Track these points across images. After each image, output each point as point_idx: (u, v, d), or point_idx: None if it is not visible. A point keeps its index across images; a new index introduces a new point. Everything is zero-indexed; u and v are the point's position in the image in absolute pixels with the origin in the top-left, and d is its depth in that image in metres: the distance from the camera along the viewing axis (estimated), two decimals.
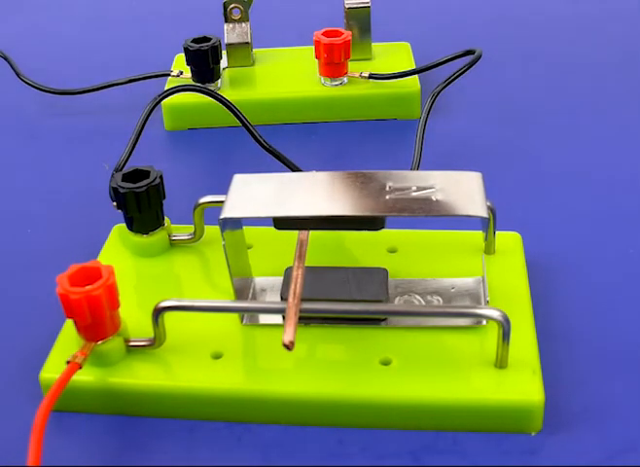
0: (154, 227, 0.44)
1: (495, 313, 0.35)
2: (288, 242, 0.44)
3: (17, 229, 0.50)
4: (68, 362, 0.36)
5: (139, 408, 0.38)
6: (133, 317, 0.39)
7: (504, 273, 0.42)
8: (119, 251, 0.45)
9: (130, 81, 0.61)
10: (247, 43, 0.62)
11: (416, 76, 0.60)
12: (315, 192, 0.38)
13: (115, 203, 0.44)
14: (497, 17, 0.74)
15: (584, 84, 0.63)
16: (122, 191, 0.42)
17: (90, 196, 0.52)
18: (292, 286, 0.37)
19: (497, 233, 0.43)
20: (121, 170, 0.46)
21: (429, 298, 0.41)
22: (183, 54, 0.60)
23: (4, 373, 0.40)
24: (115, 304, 0.37)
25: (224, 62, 0.62)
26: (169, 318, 0.38)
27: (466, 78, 0.56)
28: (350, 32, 0.59)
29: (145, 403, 0.38)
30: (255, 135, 0.50)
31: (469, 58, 0.56)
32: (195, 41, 0.59)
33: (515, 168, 0.54)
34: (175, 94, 0.51)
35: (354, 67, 0.60)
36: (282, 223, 0.38)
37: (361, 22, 0.62)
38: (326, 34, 0.58)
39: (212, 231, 0.44)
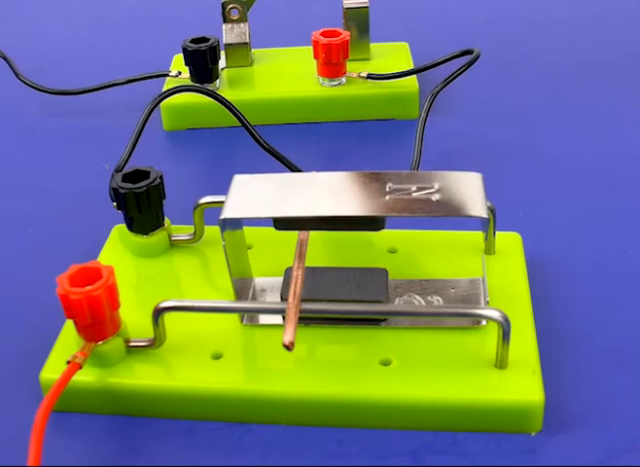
0: (154, 227, 0.44)
1: (495, 314, 0.35)
2: (288, 243, 0.44)
3: (18, 229, 0.50)
4: (68, 362, 0.36)
5: (139, 408, 0.38)
6: (133, 318, 0.39)
7: (504, 274, 0.42)
8: (119, 251, 0.45)
9: (129, 81, 0.61)
10: (245, 43, 0.62)
11: (415, 76, 0.60)
12: (315, 192, 0.38)
13: (115, 204, 0.44)
14: (495, 16, 0.74)
15: (583, 83, 0.63)
16: (122, 191, 0.42)
17: (91, 196, 0.52)
18: (292, 286, 0.37)
19: (497, 233, 0.43)
20: (121, 171, 0.46)
21: (429, 298, 0.41)
22: (181, 55, 0.60)
23: (4, 373, 0.40)
24: (115, 304, 0.37)
25: (222, 63, 0.62)
26: (169, 318, 0.38)
27: (464, 78, 0.56)
28: (348, 32, 0.59)
29: (145, 403, 0.38)
30: (255, 135, 0.50)
31: (467, 58, 0.56)
32: (193, 41, 0.59)
33: (516, 168, 0.54)
34: (174, 95, 0.51)
35: (352, 67, 0.60)
36: (282, 223, 0.38)
37: (359, 22, 0.62)
38: (324, 34, 0.59)
39: (212, 231, 0.44)
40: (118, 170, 0.48)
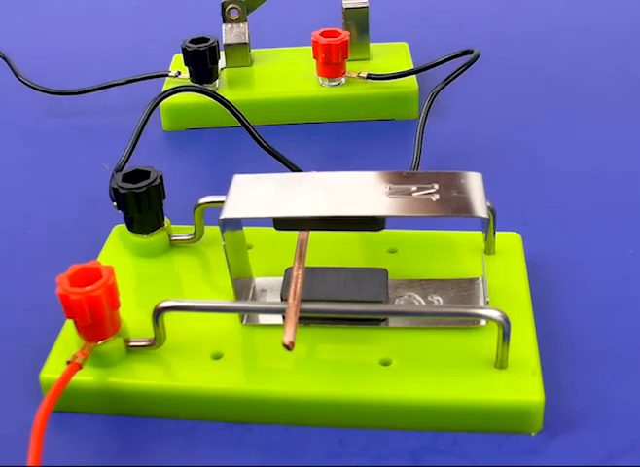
0: (154, 227, 0.44)
1: (495, 314, 0.35)
2: (288, 243, 0.44)
3: (18, 229, 0.50)
4: (68, 362, 0.36)
5: (139, 408, 0.38)
6: (133, 318, 0.39)
7: (504, 274, 0.42)
8: (119, 251, 0.45)
9: (129, 81, 0.61)
10: (245, 43, 0.62)
11: (414, 76, 0.60)
12: (315, 192, 0.38)
13: (115, 204, 0.44)
14: (494, 17, 0.74)
15: (583, 83, 0.63)
16: (122, 191, 0.42)
17: (91, 196, 0.52)
18: (292, 286, 0.37)
19: (497, 233, 0.43)
20: (121, 171, 0.46)
21: (429, 298, 0.41)
22: (181, 55, 0.60)
23: (4, 373, 0.40)
24: (115, 304, 0.37)
25: (222, 63, 0.62)
26: (169, 318, 0.38)
27: (464, 78, 0.56)
28: (348, 32, 0.59)
29: (145, 403, 0.38)
30: (255, 135, 0.50)
31: (467, 58, 0.56)
32: (193, 41, 0.59)
33: (515, 168, 0.54)
34: (174, 95, 0.51)
35: (352, 67, 0.60)
36: (282, 223, 0.38)
37: (359, 23, 0.62)
38: (324, 34, 0.59)
39: (212, 231, 0.44)
40: (118, 170, 0.48)
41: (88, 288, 0.35)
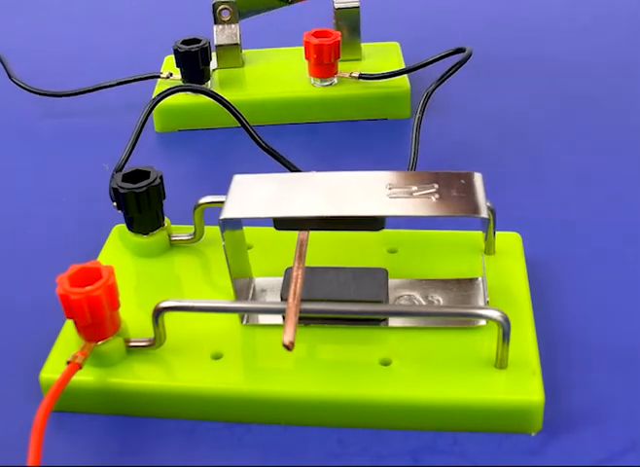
0: (154, 227, 0.44)
1: (495, 314, 0.35)
2: (288, 243, 0.44)
3: (18, 229, 0.51)
4: (68, 362, 0.36)
5: (139, 408, 0.38)
6: (133, 318, 0.39)
7: (504, 274, 0.42)
8: (119, 251, 0.45)
9: (120, 83, 0.61)
10: (237, 44, 0.62)
11: (406, 76, 0.60)
12: (315, 192, 0.38)
13: (115, 204, 0.44)
14: (487, 16, 0.74)
15: (583, 83, 0.63)
16: (122, 191, 0.42)
17: (91, 196, 0.52)
18: (292, 286, 0.37)
19: (497, 233, 0.43)
20: (121, 171, 0.46)
21: (429, 298, 0.41)
22: (172, 56, 0.60)
23: (4, 373, 0.40)
24: (115, 304, 0.37)
25: (213, 64, 0.62)
26: (169, 318, 0.38)
27: (457, 77, 0.56)
28: (340, 33, 0.59)
29: (145, 403, 0.38)
30: (254, 136, 0.50)
31: (459, 57, 0.56)
32: (184, 42, 0.59)
33: (515, 168, 0.54)
34: (172, 95, 0.51)
35: (344, 67, 0.60)
36: (282, 223, 0.38)
37: (350, 23, 0.62)
38: (315, 35, 0.59)
39: (212, 231, 0.44)
40: (118, 170, 0.48)
41: (88, 288, 0.35)
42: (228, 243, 0.38)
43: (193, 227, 0.44)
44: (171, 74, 0.61)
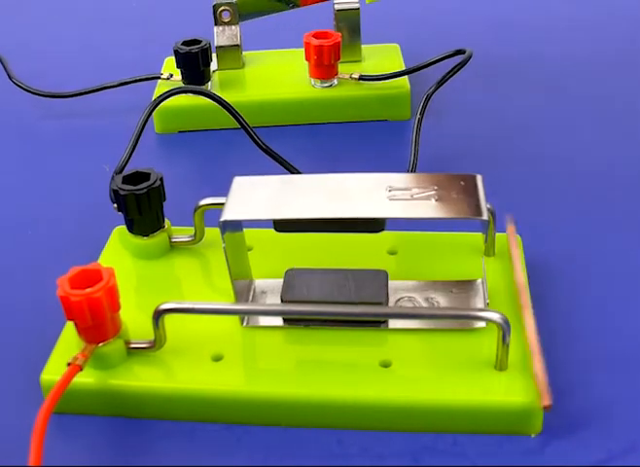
0: (154, 229, 0.44)
1: (495, 316, 0.35)
2: (288, 245, 0.44)
3: (18, 231, 0.51)
4: (69, 364, 0.36)
5: (139, 410, 0.38)
6: (134, 319, 0.39)
7: (504, 275, 0.42)
8: (119, 253, 0.45)
9: (120, 84, 0.61)
10: (237, 45, 0.62)
11: (406, 77, 0.60)
12: (315, 194, 0.38)
13: (115, 205, 0.44)
14: (487, 18, 0.74)
15: (583, 83, 0.63)
16: (122, 193, 0.42)
17: (91, 198, 0.52)
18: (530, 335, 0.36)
19: (497, 234, 0.43)
20: (121, 172, 0.46)
21: (429, 300, 0.41)
22: (173, 57, 0.60)
23: (5, 374, 0.40)
24: (115, 306, 0.37)
25: (214, 65, 0.62)
26: (170, 320, 0.38)
27: (457, 79, 0.56)
28: (340, 34, 0.59)
29: (145, 405, 0.38)
30: (254, 137, 0.50)
31: (459, 59, 0.56)
32: (185, 43, 0.59)
33: (515, 170, 0.54)
34: (173, 96, 0.51)
35: (344, 69, 0.60)
36: (282, 225, 0.38)
37: (350, 24, 0.62)
38: (316, 36, 0.59)
39: (212, 233, 0.44)
40: (118, 172, 0.48)
41: (88, 290, 0.35)
42: (228, 245, 0.38)
43: (193, 228, 0.44)
44: (172, 75, 0.61)
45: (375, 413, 0.36)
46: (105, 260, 0.44)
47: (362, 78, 0.59)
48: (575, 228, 0.48)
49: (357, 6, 0.61)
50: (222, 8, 0.62)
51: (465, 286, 0.41)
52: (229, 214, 0.37)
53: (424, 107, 0.54)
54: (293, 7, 0.62)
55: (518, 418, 0.36)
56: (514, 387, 0.36)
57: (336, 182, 0.38)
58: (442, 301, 0.41)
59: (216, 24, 0.62)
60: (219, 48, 0.62)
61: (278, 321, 0.40)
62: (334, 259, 0.43)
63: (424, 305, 0.40)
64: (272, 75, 0.62)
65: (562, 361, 0.39)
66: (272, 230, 0.38)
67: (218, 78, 0.62)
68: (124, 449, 0.37)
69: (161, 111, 0.59)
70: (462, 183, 0.37)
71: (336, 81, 0.60)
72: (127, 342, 0.38)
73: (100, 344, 0.37)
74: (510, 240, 0.43)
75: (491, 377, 0.36)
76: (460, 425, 0.36)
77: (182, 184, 0.53)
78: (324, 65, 0.59)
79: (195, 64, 0.59)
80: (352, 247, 0.44)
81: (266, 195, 0.38)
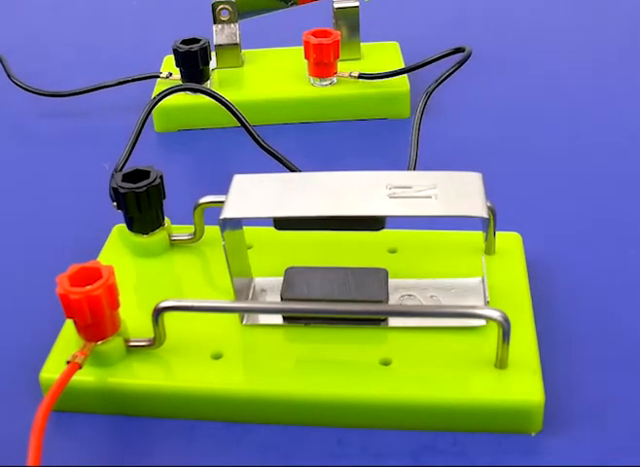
0: (154, 227, 0.44)
1: (495, 314, 0.35)
2: (288, 243, 0.44)
3: (17, 229, 0.50)
4: (68, 362, 0.36)
5: (139, 408, 0.38)
6: (133, 317, 0.39)
7: (504, 274, 0.42)
8: (119, 251, 0.45)
9: (119, 83, 0.61)
10: (236, 44, 0.62)
11: (405, 75, 0.60)
12: (315, 192, 0.38)
13: (115, 203, 0.44)
14: (487, 16, 0.74)
15: (583, 83, 0.63)
16: (122, 191, 0.42)
17: (91, 196, 0.52)
18: None
19: (497, 233, 0.43)
20: (121, 170, 0.46)
21: (429, 298, 0.41)
22: (172, 56, 0.60)
23: (4, 372, 0.40)
24: (115, 304, 0.37)
25: (213, 63, 0.62)
26: (169, 318, 0.38)
27: (457, 77, 0.56)
28: (339, 32, 0.59)
29: (145, 403, 0.38)
30: (254, 136, 0.50)
31: (458, 57, 0.56)
32: (184, 42, 0.59)
33: (515, 168, 0.54)
34: (172, 94, 0.51)
35: (343, 67, 0.60)
36: (282, 223, 0.38)
37: (350, 22, 0.62)
38: (315, 34, 0.59)
39: (212, 231, 0.44)
40: (118, 170, 0.48)
41: (88, 288, 0.35)
42: (228, 243, 0.38)
43: (193, 226, 0.44)
44: (171, 74, 0.61)
45: (375, 411, 0.36)
46: (105, 258, 0.44)
47: (361, 76, 0.59)
48: (575, 227, 0.48)
49: (356, 4, 0.61)
50: (221, 6, 0.62)
51: (465, 284, 0.41)
52: (228, 212, 0.37)
53: (424, 105, 0.54)
54: (292, 5, 0.62)
55: (519, 417, 0.36)
56: (514, 386, 0.36)
57: (335, 180, 0.38)
58: (442, 299, 0.40)
59: (215, 23, 0.62)
60: (218, 46, 0.62)
61: (278, 319, 0.40)
62: (334, 257, 0.43)
63: (424, 303, 0.40)
64: (272, 73, 0.62)
65: (562, 360, 0.39)
66: (272, 228, 0.38)
67: (217, 76, 0.62)
68: (124, 447, 0.37)
69: (161, 110, 0.59)
70: (462, 181, 0.37)
71: (335, 79, 0.60)
72: (127, 340, 0.38)
73: (100, 342, 0.37)
74: None
75: (492, 375, 0.36)
76: (460, 424, 0.36)
77: (182, 182, 0.53)
78: (323, 63, 0.59)
79: (194, 63, 0.59)
80: (352, 245, 0.44)
81: (265, 193, 0.38)
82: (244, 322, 0.40)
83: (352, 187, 0.38)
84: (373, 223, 0.37)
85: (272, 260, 0.43)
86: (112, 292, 0.36)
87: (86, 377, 0.37)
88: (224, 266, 0.39)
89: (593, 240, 0.47)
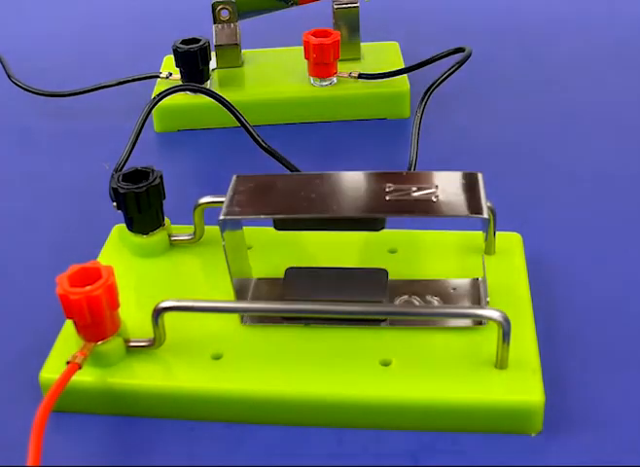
0: (154, 227, 0.44)
1: (495, 314, 0.35)
2: (288, 243, 0.44)
3: (17, 229, 0.50)
4: (68, 362, 0.36)
5: (139, 408, 0.38)
6: (133, 318, 0.39)
7: (504, 274, 0.42)
8: (119, 251, 0.45)
9: (119, 83, 0.61)
10: (236, 44, 0.62)
11: (405, 75, 0.60)
12: (315, 192, 0.38)
13: (115, 204, 0.44)
14: (487, 15, 0.74)
15: (583, 83, 0.63)
16: (122, 191, 0.42)
17: (90, 196, 0.52)
18: None
19: (497, 233, 0.43)
20: (120, 171, 0.46)
21: (429, 298, 0.41)
22: (172, 56, 0.60)
23: (4, 373, 0.40)
24: (114, 304, 0.37)
25: (213, 63, 0.62)
26: (169, 318, 0.38)
27: (457, 77, 0.56)
28: (339, 32, 0.59)
29: (145, 403, 0.38)
30: (254, 136, 0.50)
31: (458, 57, 0.56)
32: (184, 42, 0.59)
33: (515, 168, 0.54)
34: (172, 94, 0.51)
35: (343, 67, 0.60)
36: (282, 224, 0.38)
37: (350, 22, 0.62)
38: (315, 34, 0.59)
39: (212, 231, 0.44)
40: (117, 170, 0.48)
41: (87, 288, 0.35)
42: (227, 243, 0.38)
43: (193, 227, 0.44)
44: (171, 74, 0.61)
45: (375, 411, 0.36)
46: (104, 258, 0.44)
47: (361, 76, 0.59)
48: (575, 227, 0.48)
49: (356, 4, 0.61)
50: (221, 6, 0.62)
51: (465, 285, 0.41)
52: (228, 212, 0.37)
53: (424, 105, 0.54)
54: (292, 5, 0.62)
55: (519, 417, 0.36)
56: (514, 386, 0.36)
57: (335, 180, 0.38)
58: (442, 299, 0.40)
59: (215, 23, 0.62)
60: (218, 46, 0.62)
61: (278, 319, 0.40)
62: (334, 257, 0.43)
63: (424, 303, 0.40)
64: (272, 73, 0.62)
65: (562, 360, 0.39)
66: (272, 228, 0.38)
67: (217, 76, 0.62)
68: (124, 447, 0.37)
69: (161, 110, 0.59)
70: (462, 181, 0.37)
71: (335, 79, 0.60)
72: (127, 341, 0.38)
73: (99, 343, 0.37)
74: None
75: (491, 375, 0.36)
76: (460, 424, 0.36)
77: (181, 182, 0.53)
78: (323, 63, 0.59)
79: (194, 63, 0.59)
80: (352, 246, 0.44)
81: (265, 193, 0.38)
82: (244, 322, 0.40)
83: (352, 187, 0.38)
84: (374, 223, 0.37)
85: (272, 260, 0.43)
86: (112, 292, 0.36)
87: (85, 377, 0.37)
88: (224, 266, 0.39)
89: (593, 240, 0.47)
